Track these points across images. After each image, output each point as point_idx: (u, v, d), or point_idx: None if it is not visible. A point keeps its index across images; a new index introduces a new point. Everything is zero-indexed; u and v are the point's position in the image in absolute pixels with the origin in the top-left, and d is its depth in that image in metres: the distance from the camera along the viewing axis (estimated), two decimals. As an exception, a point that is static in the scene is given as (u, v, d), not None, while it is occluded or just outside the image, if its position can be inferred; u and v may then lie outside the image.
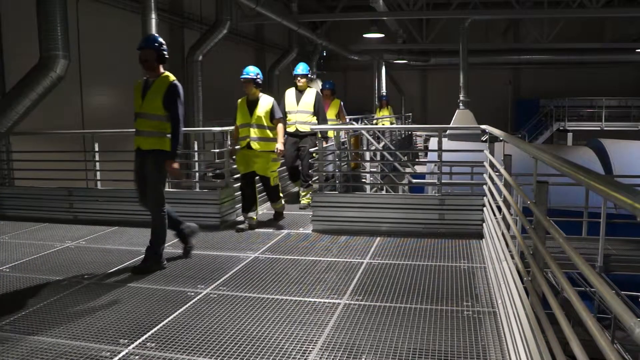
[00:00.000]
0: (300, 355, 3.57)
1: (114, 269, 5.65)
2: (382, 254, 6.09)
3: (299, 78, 8.94)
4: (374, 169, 9.55)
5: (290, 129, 8.86)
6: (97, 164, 8.58)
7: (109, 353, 3.65)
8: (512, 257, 4.05)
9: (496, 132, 6.34)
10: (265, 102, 7.48)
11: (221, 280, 5.21)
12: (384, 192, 9.59)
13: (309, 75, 9.09)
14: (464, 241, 6.51)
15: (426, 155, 17.00)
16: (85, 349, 3.71)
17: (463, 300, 4.57)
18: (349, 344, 3.73)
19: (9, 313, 4.41)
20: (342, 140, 8.84)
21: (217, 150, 8.62)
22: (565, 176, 2.71)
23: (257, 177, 7.69)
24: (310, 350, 3.64)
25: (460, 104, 20.08)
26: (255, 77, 7.41)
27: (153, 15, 10.55)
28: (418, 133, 26.21)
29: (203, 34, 15.58)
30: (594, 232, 7.14)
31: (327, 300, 4.61)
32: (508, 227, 4.53)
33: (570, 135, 27.54)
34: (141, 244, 6.37)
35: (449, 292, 4.79)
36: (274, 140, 7.44)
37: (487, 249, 5.83)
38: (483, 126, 7.72)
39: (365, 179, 9.90)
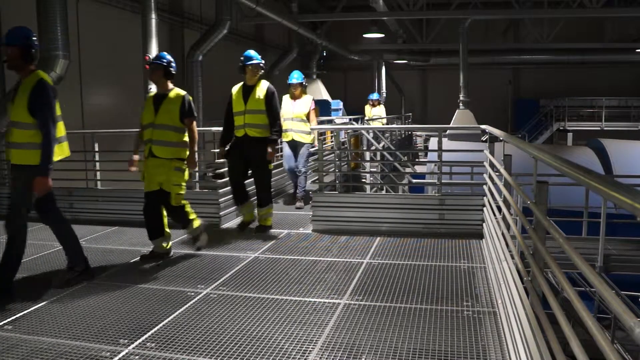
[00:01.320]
0: (300, 355, 3.57)
1: (114, 269, 5.65)
2: (382, 254, 6.09)
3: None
4: (374, 169, 9.55)
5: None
6: (97, 164, 8.58)
7: (109, 353, 3.65)
8: (512, 257, 4.05)
9: (496, 132, 6.35)
10: (175, 97, 5.87)
11: (221, 280, 5.21)
12: (384, 192, 9.60)
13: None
14: (464, 241, 6.51)
15: (426, 155, 17.00)
16: (85, 349, 3.71)
17: (463, 300, 4.57)
18: (349, 344, 3.73)
19: (9, 313, 4.41)
20: (342, 140, 8.83)
21: (217, 150, 8.61)
22: (565, 176, 2.71)
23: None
24: (310, 350, 3.64)
25: (460, 104, 20.09)
26: (166, 64, 5.88)
27: (153, 15, 10.56)
28: (418, 133, 26.23)
29: (203, 34, 15.60)
30: (594, 232, 7.13)
31: (327, 300, 4.61)
32: (508, 227, 4.53)
33: (570, 135, 27.54)
34: (141, 244, 6.38)
35: (449, 292, 4.78)
36: (184, 145, 5.85)
37: (487, 249, 5.83)
38: (483, 126, 7.73)
39: (365, 179, 9.90)
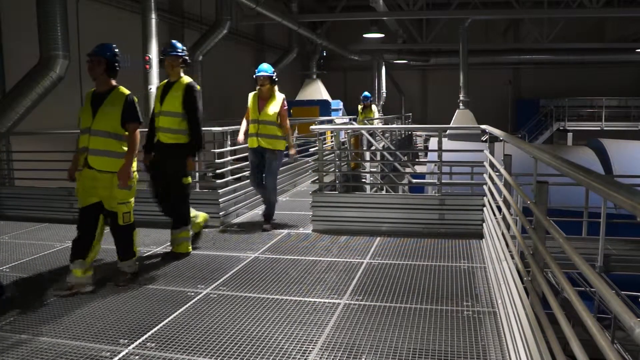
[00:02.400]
0: (300, 355, 3.57)
1: (113, 270, 5.63)
2: (382, 254, 6.09)
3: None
4: (374, 169, 9.56)
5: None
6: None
7: (109, 353, 3.64)
8: (512, 257, 4.05)
9: (496, 132, 6.35)
10: (116, 97, 5.04)
11: (221, 280, 5.21)
12: (384, 192, 9.60)
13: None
14: (464, 241, 6.51)
15: (426, 155, 17.01)
16: (85, 349, 3.70)
17: (463, 300, 4.56)
18: (349, 344, 3.73)
19: (8, 313, 4.41)
20: (342, 140, 8.78)
21: (217, 150, 8.61)
22: (565, 176, 2.72)
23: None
24: (310, 350, 3.64)
25: (460, 104, 20.11)
26: (109, 57, 5.06)
27: (153, 15, 10.55)
28: (418, 133, 26.24)
29: (203, 34, 15.59)
30: (594, 232, 7.14)
31: (327, 300, 4.61)
32: (508, 227, 4.53)
33: (570, 135, 27.58)
34: (141, 245, 6.37)
35: (449, 292, 4.78)
36: (124, 156, 5.03)
37: (487, 249, 5.83)
38: (483, 126, 7.73)
39: (365, 179, 9.90)
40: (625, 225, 8.86)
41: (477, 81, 25.24)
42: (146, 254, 6.15)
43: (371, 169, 9.30)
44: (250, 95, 7.39)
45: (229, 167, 8.41)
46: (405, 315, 4.25)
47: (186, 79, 6.00)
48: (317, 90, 23.70)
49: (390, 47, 26.99)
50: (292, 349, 3.67)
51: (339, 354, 3.58)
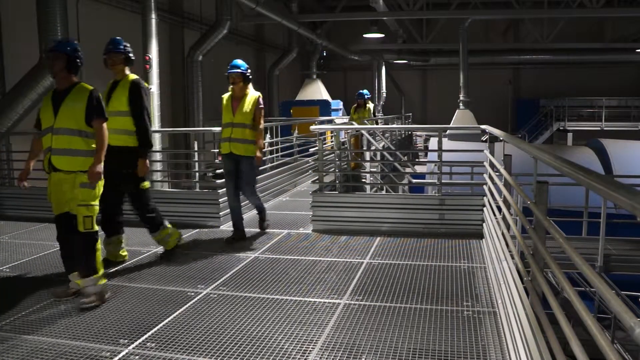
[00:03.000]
0: (301, 355, 3.57)
1: (114, 269, 5.64)
2: (382, 254, 6.09)
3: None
4: (374, 169, 9.55)
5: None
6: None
7: (109, 353, 3.64)
8: (512, 257, 4.05)
9: (496, 132, 6.35)
10: (79, 93, 4.74)
11: (221, 280, 5.21)
12: (384, 192, 9.60)
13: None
14: (464, 241, 6.51)
15: (426, 155, 17.01)
16: (85, 349, 3.70)
17: (463, 300, 4.56)
18: (349, 344, 3.73)
19: (8, 313, 4.41)
20: (342, 140, 8.77)
21: (217, 150, 8.61)
22: (565, 176, 2.72)
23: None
24: (310, 350, 3.64)
25: (460, 104, 20.12)
26: (70, 52, 4.82)
27: (153, 15, 10.57)
28: (418, 133, 26.24)
29: (203, 34, 15.61)
30: (594, 232, 7.14)
31: (327, 300, 4.61)
32: (508, 227, 4.53)
33: (570, 135, 27.60)
34: (141, 244, 6.38)
35: (449, 292, 4.78)
36: (92, 154, 4.68)
37: (487, 249, 5.83)
38: (483, 126, 7.73)
39: (365, 179, 9.90)
40: (625, 225, 8.86)
41: (477, 81, 25.25)
42: (146, 254, 6.14)
43: (371, 169, 9.30)
44: (224, 97, 6.67)
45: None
46: (405, 315, 4.25)
47: (132, 76, 5.64)
48: (317, 90, 23.71)
49: (390, 47, 27.00)
50: (292, 349, 3.67)
51: (339, 354, 3.58)
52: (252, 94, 6.55)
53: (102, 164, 4.67)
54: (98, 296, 4.61)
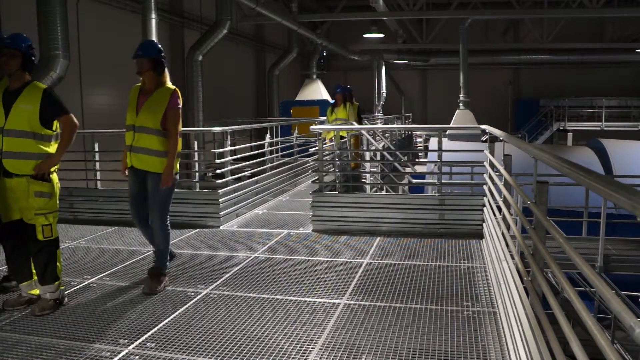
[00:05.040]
0: (300, 355, 3.57)
1: (114, 269, 5.64)
2: (382, 254, 6.09)
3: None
4: (374, 169, 9.54)
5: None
6: (97, 164, 8.57)
7: (109, 353, 3.64)
8: (512, 257, 4.05)
9: (496, 132, 6.35)
10: (31, 92, 4.35)
11: (221, 280, 5.21)
12: (384, 192, 9.59)
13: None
14: (464, 241, 6.51)
15: (426, 155, 17.01)
16: (85, 349, 3.70)
17: (463, 300, 4.57)
18: (349, 344, 3.73)
19: (9, 313, 4.41)
20: (343, 140, 8.76)
21: (217, 150, 8.61)
22: (565, 176, 2.72)
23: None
24: (310, 350, 3.64)
25: (460, 104, 20.11)
26: (25, 50, 4.36)
27: (153, 15, 10.58)
28: (418, 133, 26.25)
29: (203, 34, 15.60)
30: (594, 232, 7.13)
31: (327, 300, 4.61)
32: (508, 227, 4.53)
33: (570, 135, 27.59)
34: (141, 244, 6.38)
35: (449, 292, 4.79)
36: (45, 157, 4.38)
37: (487, 249, 5.83)
38: (483, 126, 7.73)
39: (365, 179, 9.89)
40: (625, 225, 8.86)
41: (477, 81, 25.25)
42: (146, 254, 6.14)
43: (371, 169, 9.29)
44: (132, 89, 4.97)
45: (229, 167, 8.40)
46: (405, 315, 4.25)
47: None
48: (317, 90, 23.71)
49: (390, 47, 27.02)
50: (292, 349, 3.67)
51: (339, 354, 3.58)
52: (166, 89, 4.83)
53: (55, 163, 4.41)
54: (55, 303, 4.49)
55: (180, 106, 4.87)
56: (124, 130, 4.93)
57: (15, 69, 4.34)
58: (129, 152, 4.88)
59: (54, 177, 4.50)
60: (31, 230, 4.38)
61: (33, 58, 4.46)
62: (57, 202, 4.52)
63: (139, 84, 4.92)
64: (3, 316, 4.36)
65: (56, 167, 4.50)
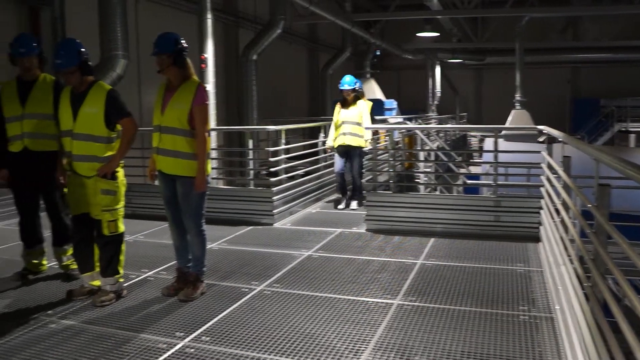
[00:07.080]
0: (353, 355, 3.57)
1: (170, 264, 5.74)
2: (436, 254, 6.03)
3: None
4: (428, 169, 9.47)
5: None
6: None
7: (165, 345, 3.74)
8: (572, 262, 3.95)
9: (555, 132, 6.20)
10: (98, 93, 4.47)
11: (275, 277, 5.26)
12: (438, 193, 9.51)
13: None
14: (520, 244, 6.38)
15: (481, 155, 16.75)
16: (142, 340, 3.81)
17: (519, 304, 4.48)
18: (402, 345, 3.71)
19: (72, 302, 4.57)
20: (397, 139, 8.71)
21: (272, 149, 8.68)
22: (628, 179, 2.63)
23: None
24: (362, 350, 3.64)
25: (516, 104, 19.71)
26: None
27: (209, 15, 10.75)
28: (472, 133, 25.86)
29: (257, 33, 15.77)
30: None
31: (380, 300, 4.60)
32: (567, 230, 4.42)
33: (632, 136, 26.61)
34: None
35: (504, 295, 4.70)
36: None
37: (545, 253, 5.70)
38: (541, 127, 7.56)
39: (419, 179, 9.82)
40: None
41: (533, 80, 24.69)
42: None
43: (425, 169, 9.22)
44: (159, 86, 4.73)
45: (283, 165, 8.47)
46: (459, 318, 4.20)
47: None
48: (371, 90, 23.62)
49: (444, 46, 26.67)
50: (345, 348, 3.68)
51: (392, 355, 3.56)
52: (190, 84, 4.53)
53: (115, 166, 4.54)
54: (116, 294, 4.67)
55: (207, 102, 4.60)
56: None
57: (76, 81, 4.45)
58: (155, 154, 4.70)
59: (120, 174, 4.63)
60: (98, 225, 4.55)
61: (89, 63, 4.50)
62: (123, 199, 4.66)
63: (165, 81, 4.66)
64: (66, 305, 4.52)
65: (121, 164, 4.64)
